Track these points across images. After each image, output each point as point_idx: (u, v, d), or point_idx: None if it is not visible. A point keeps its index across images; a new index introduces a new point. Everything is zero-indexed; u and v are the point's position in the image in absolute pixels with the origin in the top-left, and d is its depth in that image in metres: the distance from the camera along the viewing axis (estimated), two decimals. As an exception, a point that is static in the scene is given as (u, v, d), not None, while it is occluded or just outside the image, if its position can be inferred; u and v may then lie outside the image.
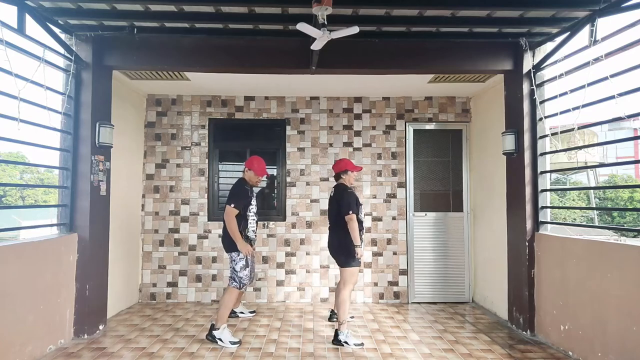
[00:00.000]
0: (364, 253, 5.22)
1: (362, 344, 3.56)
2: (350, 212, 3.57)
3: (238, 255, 3.53)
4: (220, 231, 5.06)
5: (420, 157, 5.38)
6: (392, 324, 4.28)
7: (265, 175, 3.81)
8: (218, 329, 3.48)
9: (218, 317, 3.53)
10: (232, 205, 3.47)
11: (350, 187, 3.85)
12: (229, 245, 3.56)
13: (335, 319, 4.27)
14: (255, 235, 3.78)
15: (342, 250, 3.68)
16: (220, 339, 3.43)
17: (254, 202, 3.70)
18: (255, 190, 3.91)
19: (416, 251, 5.25)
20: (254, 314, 4.50)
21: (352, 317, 4.40)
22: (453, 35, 3.99)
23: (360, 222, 3.69)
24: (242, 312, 4.44)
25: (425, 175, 5.37)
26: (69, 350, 3.42)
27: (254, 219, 3.70)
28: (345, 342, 3.54)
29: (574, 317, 3.33)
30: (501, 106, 4.35)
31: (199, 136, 5.29)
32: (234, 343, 3.41)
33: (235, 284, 3.54)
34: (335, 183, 3.99)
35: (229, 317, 4.20)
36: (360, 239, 3.62)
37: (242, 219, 3.56)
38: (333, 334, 3.70)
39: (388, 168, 5.33)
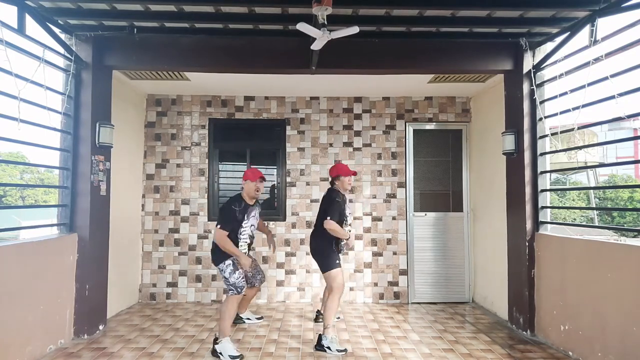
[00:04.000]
0: (364, 254, 5.24)
1: (345, 351, 3.42)
2: (328, 217, 3.51)
3: (224, 264, 3.37)
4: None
5: (420, 157, 5.38)
6: (392, 324, 4.28)
7: (261, 178, 3.53)
8: (220, 342, 3.32)
9: (219, 330, 3.36)
10: (219, 227, 3.33)
11: (344, 194, 3.74)
12: (216, 258, 3.43)
13: (321, 320, 4.22)
14: (249, 256, 3.59)
15: (319, 253, 3.67)
16: (220, 353, 3.26)
17: (245, 225, 3.46)
18: (255, 211, 3.60)
19: (416, 251, 5.25)
20: (261, 320, 4.34)
21: (338, 318, 4.33)
22: (453, 35, 3.99)
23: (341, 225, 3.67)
24: (248, 319, 4.28)
25: (425, 175, 5.37)
26: (69, 350, 3.42)
27: (246, 242, 3.49)
28: (328, 348, 3.42)
29: (574, 317, 3.33)
30: (501, 106, 4.35)
31: (199, 136, 5.29)
32: (234, 357, 3.22)
33: (232, 291, 3.36)
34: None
35: (236, 323, 4.13)
36: (340, 248, 3.66)
37: (232, 238, 3.40)
38: (332, 333, 3.67)
39: (388, 168, 5.33)
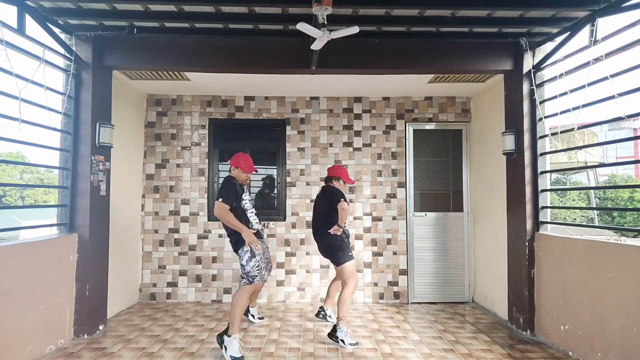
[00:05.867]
0: (364, 254, 5.24)
1: (356, 344, 3.59)
2: (342, 199, 3.72)
3: (242, 250, 3.37)
4: (220, 231, 5.07)
5: (420, 157, 5.38)
6: (392, 324, 4.28)
7: (254, 172, 3.64)
8: (229, 336, 3.29)
9: (230, 321, 3.31)
10: (221, 200, 3.30)
11: None
12: (234, 243, 3.44)
13: (322, 316, 4.31)
14: (262, 227, 3.66)
15: (333, 248, 3.77)
16: (226, 347, 3.25)
17: (245, 196, 3.51)
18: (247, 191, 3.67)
19: (416, 251, 5.25)
20: (262, 320, 4.34)
21: (329, 317, 4.33)
22: (453, 35, 3.99)
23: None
24: (252, 315, 4.27)
25: (425, 175, 5.37)
26: (69, 350, 3.42)
27: (252, 212, 3.54)
28: (342, 341, 3.56)
29: (574, 317, 3.34)
30: (501, 106, 4.35)
31: (199, 136, 5.29)
32: (235, 359, 3.20)
33: (244, 280, 3.38)
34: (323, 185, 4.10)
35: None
36: (347, 234, 3.89)
37: (241, 215, 3.44)
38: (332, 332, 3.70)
39: (388, 168, 5.33)
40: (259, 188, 5.40)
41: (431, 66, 4.16)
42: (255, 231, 3.48)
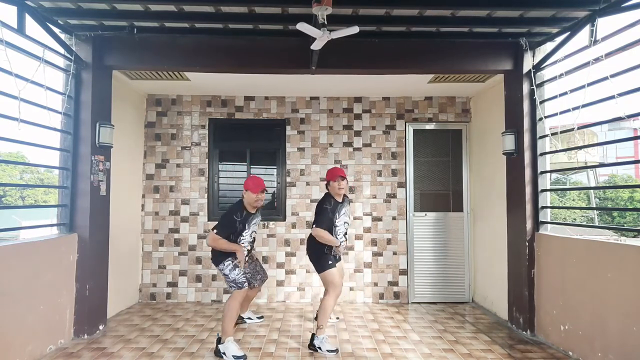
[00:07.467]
0: (364, 254, 5.24)
1: (336, 351, 3.42)
2: (315, 225, 3.52)
3: (224, 264, 3.36)
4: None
5: (420, 157, 5.38)
6: (392, 324, 4.28)
7: (263, 189, 3.49)
8: (223, 342, 3.30)
9: (222, 329, 3.32)
10: (214, 231, 3.33)
11: (337, 199, 3.68)
12: (216, 259, 3.42)
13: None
14: (250, 257, 3.56)
15: (313, 255, 3.68)
16: (224, 353, 3.25)
17: (246, 233, 3.48)
18: (256, 221, 3.61)
19: (416, 251, 5.25)
20: (262, 319, 4.36)
21: (337, 319, 4.36)
22: (453, 35, 3.99)
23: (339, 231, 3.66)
24: (249, 318, 4.29)
25: (425, 175, 5.37)
26: (69, 350, 3.42)
27: (246, 248, 3.52)
28: (319, 348, 3.44)
29: (574, 317, 3.34)
30: (501, 106, 4.35)
31: (199, 136, 5.29)
32: (238, 358, 3.21)
33: (234, 287, 3.38)
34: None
35: (237, 323, 4.03)
36: (333, 252, 3.63)
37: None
38: (333, 333, 3.69)
39: (388, 168, 5.33)
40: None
41: (431, 66, 4.16)
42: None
